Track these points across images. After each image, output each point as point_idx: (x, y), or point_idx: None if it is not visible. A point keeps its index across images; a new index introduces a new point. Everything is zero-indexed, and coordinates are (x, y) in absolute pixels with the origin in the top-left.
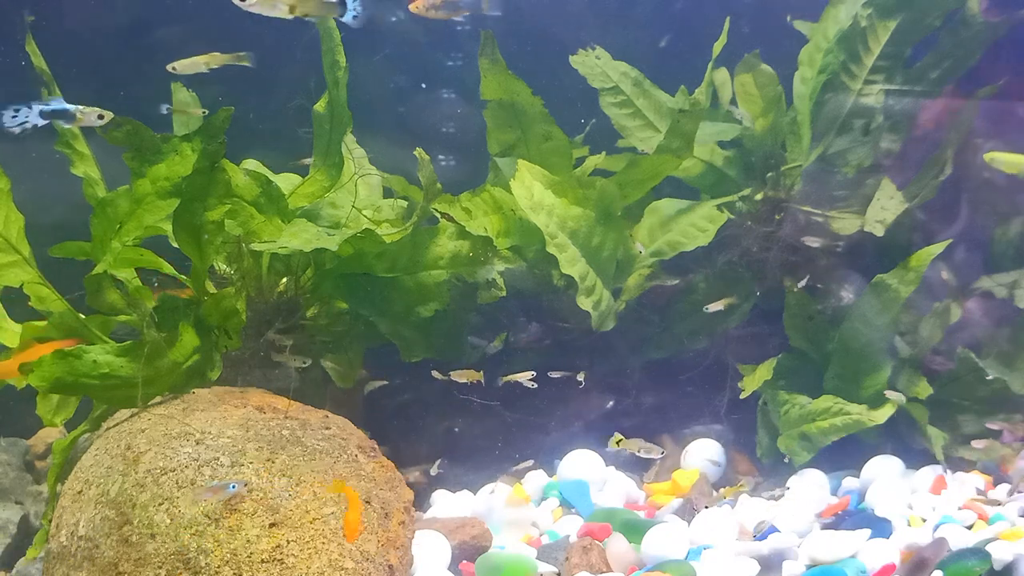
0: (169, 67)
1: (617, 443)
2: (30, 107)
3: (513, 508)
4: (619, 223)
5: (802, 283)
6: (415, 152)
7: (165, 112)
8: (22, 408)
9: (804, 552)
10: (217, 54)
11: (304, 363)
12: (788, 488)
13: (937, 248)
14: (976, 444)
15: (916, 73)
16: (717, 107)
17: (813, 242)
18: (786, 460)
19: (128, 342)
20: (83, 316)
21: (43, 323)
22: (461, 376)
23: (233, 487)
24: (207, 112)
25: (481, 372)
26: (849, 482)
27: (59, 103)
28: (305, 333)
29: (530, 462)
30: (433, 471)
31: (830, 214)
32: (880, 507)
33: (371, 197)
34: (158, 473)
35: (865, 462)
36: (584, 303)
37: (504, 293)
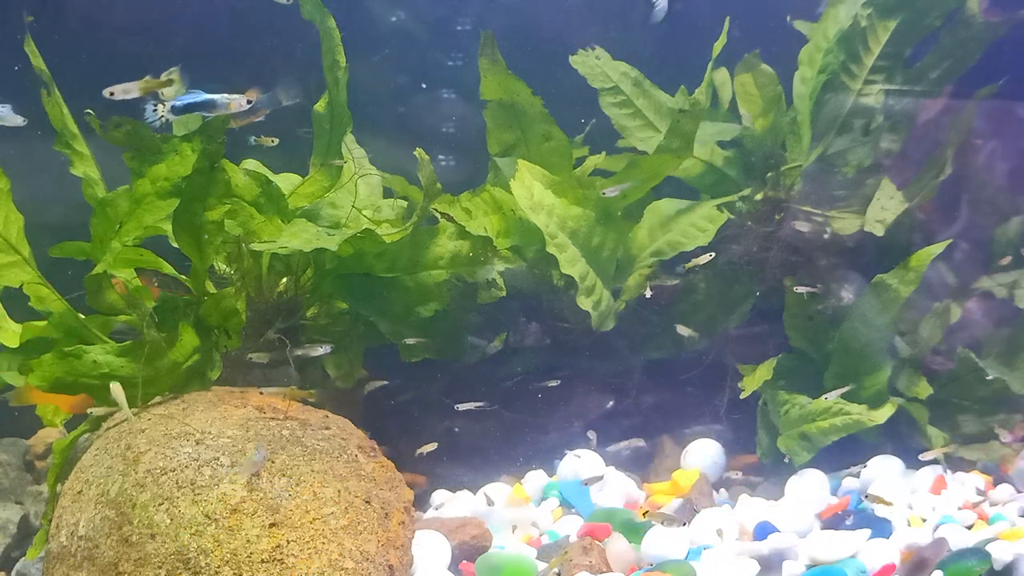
0: (106, 92)
1: (644, 515)
2: (164, 102)
3: (513, 508)
4: (619, 223)
5: (803, 288)
6: (415, 152)
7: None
8: (22, 408)
9: (804, 552)
10: (150, 78)
11: (325, 349)
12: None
13: (937, 248)
14: (926, 456)
15: (916, 73)
16: (717, 107)
17: (802, 227)
18: (786, 460)
19: (128, 342)
20: (83, 316)
21: (43, 323)
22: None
23: (259, 455)
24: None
25: (310, 392)
26: (849, 482)
27: (195, 96)
28: (305, 333)
29: (585, 450)
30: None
31: (830, 214)
32: (880, 507)
33: (371, 197)
34: (158, 473)
35: (865, 462)
36: (584, 303)
37: (504, 293)
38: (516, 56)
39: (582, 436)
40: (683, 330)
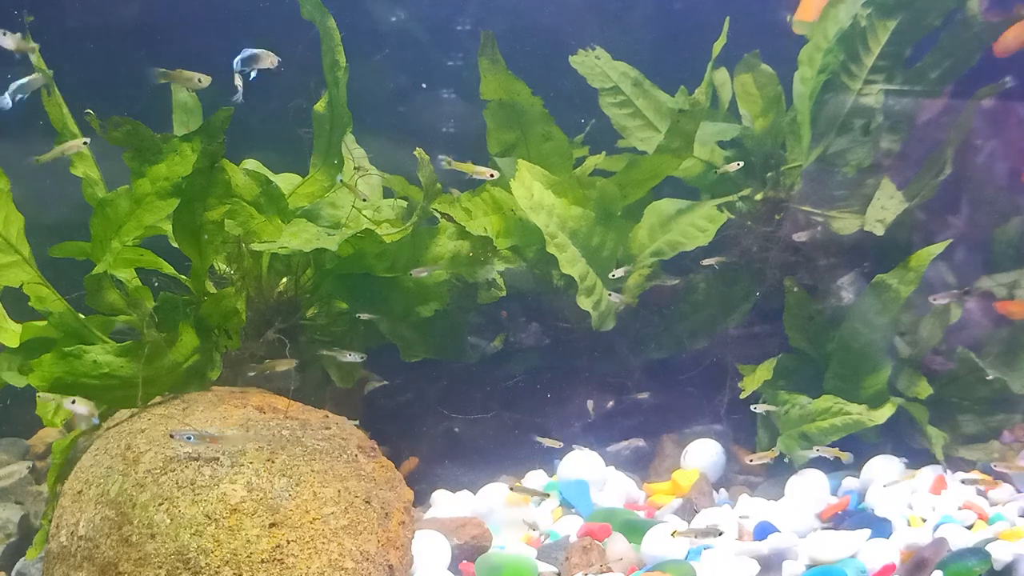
0: None
1: (673, 534)
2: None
3: (513, 508)
4: (619, 223)
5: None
6: (415, 152)
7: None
8: (22, 408)
9: (804, 552)
10: (21, 36)
11: (363, 357)
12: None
13: (937, 248)
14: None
15: (916, 73)
16: (717, 107)
17: (803, 236)
18: (786, 460)
19: (128, 342)
20: (83, 316)
21: (43, 323)
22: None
23: (190, 438)
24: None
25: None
26: (849, 482)
27: (245, 55)
28: (305, 333)
29: (586, 450)
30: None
31: (830, 214)
32: (880, 507)
33: (371, 197)
34: (158, 473)
35: (865, 462)
36: (584, 303)
37: (504, 293)
38: (516, 56)
39: (582, 436)
40: (615, 297)
